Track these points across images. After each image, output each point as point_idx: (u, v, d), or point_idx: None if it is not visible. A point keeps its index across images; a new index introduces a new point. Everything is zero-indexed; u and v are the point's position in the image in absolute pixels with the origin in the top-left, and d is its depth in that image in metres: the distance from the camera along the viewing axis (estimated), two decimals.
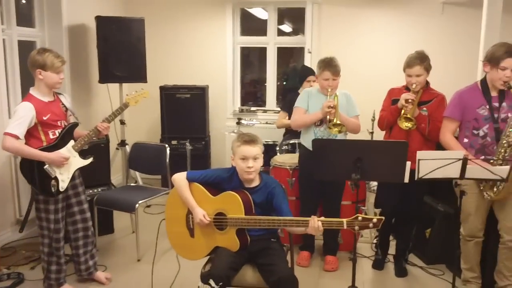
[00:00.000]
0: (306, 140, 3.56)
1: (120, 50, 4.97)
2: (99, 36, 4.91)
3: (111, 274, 3.50)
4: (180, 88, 5.72)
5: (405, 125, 3.18)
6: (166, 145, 4.12)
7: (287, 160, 4.08)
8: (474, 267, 3.17)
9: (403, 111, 3.20)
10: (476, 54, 4.11)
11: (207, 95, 5.83)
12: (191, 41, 6.09)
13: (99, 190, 4.27)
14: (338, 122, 3.30)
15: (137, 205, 3.70)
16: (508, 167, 2.57)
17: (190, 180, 2.68)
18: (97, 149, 4.10)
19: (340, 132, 3.33)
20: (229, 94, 6.17)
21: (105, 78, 5.01)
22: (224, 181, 2.67)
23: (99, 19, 4.91)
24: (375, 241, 3.87)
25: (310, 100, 3.56)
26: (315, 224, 2.31)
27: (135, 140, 4.47)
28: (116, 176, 5.47)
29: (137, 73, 5.08)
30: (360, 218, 2.28)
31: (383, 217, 2.30)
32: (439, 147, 3.30)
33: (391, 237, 3.78)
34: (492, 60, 2.92)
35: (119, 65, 4.98)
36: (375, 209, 2.86)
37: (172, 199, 2.75)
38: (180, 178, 2.69)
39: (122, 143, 5.29)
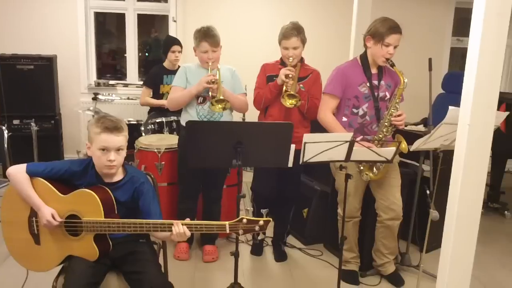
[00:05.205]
0: (185, 120, 3.16)
1: None
2: None
3: None
4: (22, 58, 4.90)
5: (289, 102, 2.91)
6: (3, 127, 3.38)
7: (154, 141, 3.63)
8: (353, 247, 3.12)
9: (284, 88, 2.94)
10: (348, 30, 4.03)
11: (55, 66, 5.07)
12: (32, 3, 5.17)
13: None
14: (221, 97, 2.95)
15: None
16: (393, 148, 2.47)
17: (31, 174, 2.09)
18: None
19: (224, 109, 2.99)
20: (82, 65, 5.42)
21: None
22: (76, 176, 2.14)
23: None
24: None
25: (189, 77, 3.15)
26: (180, 229, 1.95)
27: None
28: None
29: None
30: (244, 220, 1.95)
31: (270, 219, 2.01)
32: (314, 125, 3.16)
33: None
34: (376, 35, 2.78)
35: None
36: (262, 210, 2.59)
37: (9, 198, 2.15)
38: (17, 171, 2.09)
39: None
